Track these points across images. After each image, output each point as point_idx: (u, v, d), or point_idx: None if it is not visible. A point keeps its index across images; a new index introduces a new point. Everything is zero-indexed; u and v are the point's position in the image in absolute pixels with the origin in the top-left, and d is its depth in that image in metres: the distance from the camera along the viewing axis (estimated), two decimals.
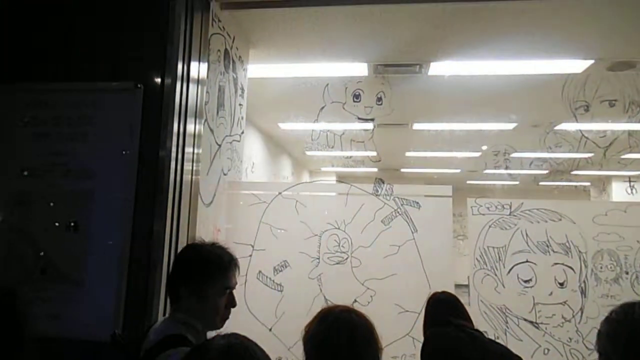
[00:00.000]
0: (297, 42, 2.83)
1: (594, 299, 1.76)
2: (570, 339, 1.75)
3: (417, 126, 4.72)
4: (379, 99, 2.01)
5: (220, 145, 2.34)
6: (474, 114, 3.96)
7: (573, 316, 1.76)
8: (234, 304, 1.20)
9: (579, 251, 1.76)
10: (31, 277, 1.71)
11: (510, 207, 1.82)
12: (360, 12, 2.45)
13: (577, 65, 2.91)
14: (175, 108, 1.85)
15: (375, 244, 1.85)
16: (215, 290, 1.15)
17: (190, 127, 1.96)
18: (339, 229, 1.88)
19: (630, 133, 1.91)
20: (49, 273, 1.72)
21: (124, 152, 1.77)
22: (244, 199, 2.02)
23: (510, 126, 4.49)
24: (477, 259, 1.81)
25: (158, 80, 1.84)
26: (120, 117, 1.79)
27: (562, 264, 1.76)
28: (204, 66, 2.07)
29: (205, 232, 2.12)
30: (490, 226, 1.83)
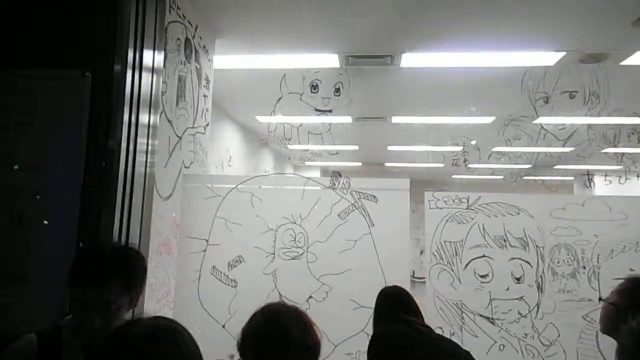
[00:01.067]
0: (264, 32, 2.76)
1: (550, 294, 1.73)
2: (525, 334, 1.72)
3: (395, 119, 4.69)
4: (337, 90, 1.95)
5: (180, 138, 2.28)
6: (451, 107, 3.93)
7: (529, 311, 1.73)
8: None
9: (536, 245, 1.73)
10: None
11: (468, 201, 1.79)
12: (327, 1, 2.39)
13: (549, 58, 2.89)
14: (126, 97, 1.79)
15: (331, 238, 1.81)
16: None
17: (143, 118, 1.90)
18: (294, 223, 1.84)
19: (590, 125, 1.88)
20: None
21: (70, 143, 1.71)
22: (200, 192, 1.96)
23: (489, 119, 4.47)
24: (433, 253, 1.78)
25: (107, 68, 1.77)
26: (66, 107, 1.73)
27: (519, 258, 1.73)
28: (159, 55, 2.00)
29: (162, 226, 2.06)
30: (447, 220, 1.79)
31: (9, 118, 1.69)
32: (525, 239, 1.73)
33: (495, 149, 5.68)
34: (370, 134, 5.43)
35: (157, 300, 2.02)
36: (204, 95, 2.60)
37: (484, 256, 1.73)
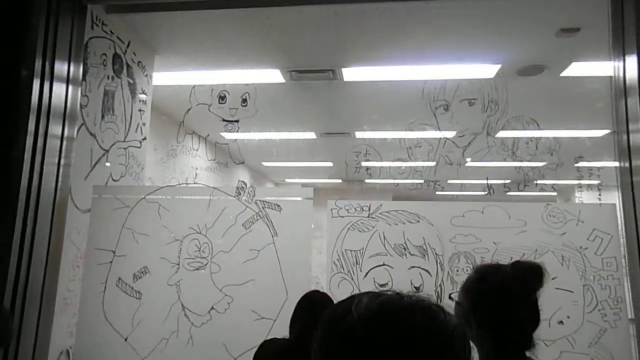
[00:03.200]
0: (205, 49, 2.81)
1: (449, 303, 1.70)
2: None
3: (359, 134, 4.70)
4: (244, 101, 1.97)
5: (107, 151, 2.29)
6: (406, 121, 3.93)
7: None
8: None
9: (436, 254, 1.71)
10: None
11: (369, 209, 1.77)
12: (260, 17, 2.43)
13: (488, 70, 2.91)
14: (32, 107, 1.81)
15: (235, 248, 1.79)
16: None
17: (55, 129, 1.91)
18: (200, 233, 1.83)
19: (489, 132, 1.88)
20: None
21: None
22: (108, 203, 1.96)
23: (450, 134, 4.47)
24: (334, 262, 1.76)
25: (12, 77, 1.79)
26: None
27: (419, 267, 1.70)
28: (76, 67, 2.02)
29: (80, 239, 2.05)
30: (348, 228, 1.77)
31: None
32: (424, 247, 1.71)
33: (468, 164, 5.67)
34: (339, 150, 5.44)
35: (72, 314, 2.00)
36: (140, 110, 2.63)
37: (383, 264, 1.71)
